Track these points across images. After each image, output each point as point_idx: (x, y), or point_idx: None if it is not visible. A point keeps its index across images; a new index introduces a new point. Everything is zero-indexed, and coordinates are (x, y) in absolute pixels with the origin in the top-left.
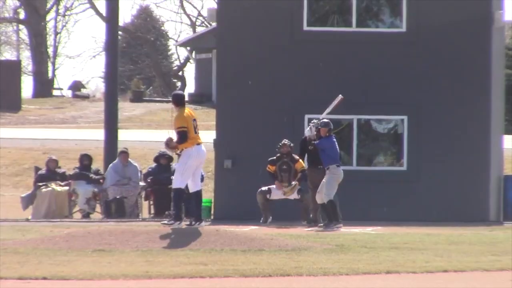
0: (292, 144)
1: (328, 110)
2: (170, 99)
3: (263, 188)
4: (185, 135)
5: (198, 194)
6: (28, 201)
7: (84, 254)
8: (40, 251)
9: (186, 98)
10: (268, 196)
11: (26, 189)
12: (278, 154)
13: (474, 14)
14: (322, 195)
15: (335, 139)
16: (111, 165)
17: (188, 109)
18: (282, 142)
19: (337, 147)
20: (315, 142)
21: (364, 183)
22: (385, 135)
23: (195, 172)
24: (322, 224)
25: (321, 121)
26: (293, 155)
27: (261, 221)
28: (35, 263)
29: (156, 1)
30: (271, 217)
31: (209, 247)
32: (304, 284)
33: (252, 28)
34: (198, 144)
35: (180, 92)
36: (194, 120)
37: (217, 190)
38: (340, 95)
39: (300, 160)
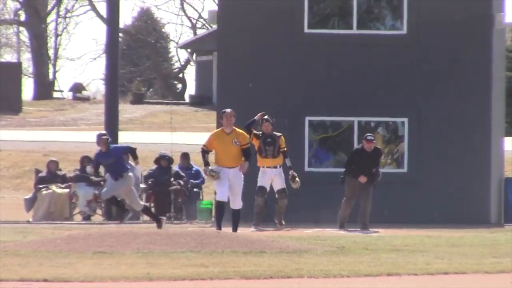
0: (274, 119)
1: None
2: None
3: (260, 185)
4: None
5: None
6: (31, 203)
7: (84, 256)
8: (41, 253)
9: (187, 100)
10: (265, 196)
11: (27, 191)
12: (261, 132)
13: (475, 17)
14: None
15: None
16: None
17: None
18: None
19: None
20: None
21: None
22: (386, 137)
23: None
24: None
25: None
26: (274, 132)
27: (253, 224)
28: (36, 265)
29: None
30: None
31: (210, 249)
32: (305, 286)
33: (253, 30)
34: None
35: None
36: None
37: None
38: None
39: (282, 137)
